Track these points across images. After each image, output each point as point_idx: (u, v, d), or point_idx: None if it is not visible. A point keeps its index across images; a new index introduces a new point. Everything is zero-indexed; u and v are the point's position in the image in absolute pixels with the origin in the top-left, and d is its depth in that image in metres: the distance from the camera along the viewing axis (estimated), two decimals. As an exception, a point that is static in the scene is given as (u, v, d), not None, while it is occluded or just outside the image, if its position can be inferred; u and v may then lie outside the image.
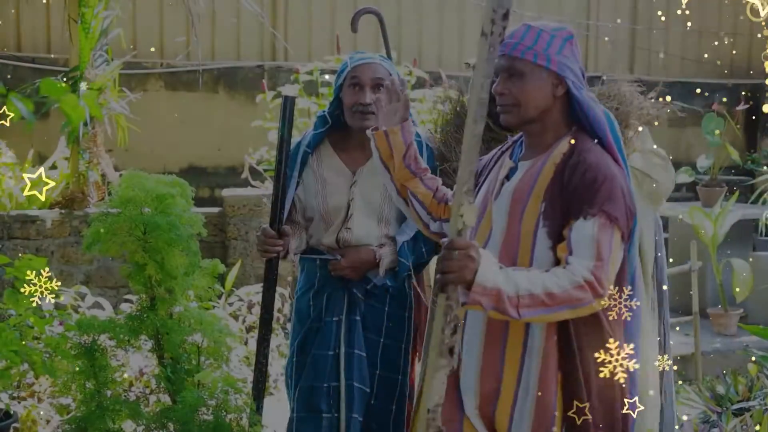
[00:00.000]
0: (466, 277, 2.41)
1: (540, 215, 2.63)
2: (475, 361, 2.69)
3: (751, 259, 6.67)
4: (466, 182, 2.34)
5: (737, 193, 7.14)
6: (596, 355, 2.47)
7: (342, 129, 3.47)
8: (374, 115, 3.24)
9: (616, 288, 2.55)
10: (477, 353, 2.69)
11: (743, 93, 9.26)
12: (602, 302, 2.51)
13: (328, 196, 3.45)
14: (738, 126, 8.99)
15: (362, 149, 3.38)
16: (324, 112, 3.50)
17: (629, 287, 2.59)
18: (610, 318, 2.58)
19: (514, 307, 2.47)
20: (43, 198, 6.50)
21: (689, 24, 9.49)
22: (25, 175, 6.48)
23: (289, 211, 3.46)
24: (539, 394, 2.61)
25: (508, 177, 2.76)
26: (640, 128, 3.47)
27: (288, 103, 3.36)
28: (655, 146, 3.55)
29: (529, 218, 2.64)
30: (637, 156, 3.45)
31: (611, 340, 2.47)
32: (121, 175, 6.30)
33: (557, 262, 2.60)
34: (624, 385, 2.58)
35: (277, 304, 5.90)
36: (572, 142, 2.68)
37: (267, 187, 6.52)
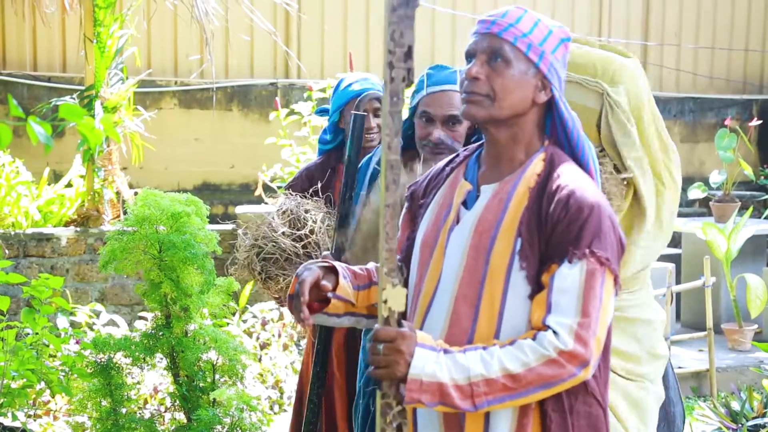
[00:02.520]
0: (397, 374, 2.00)
1: (515, 254, 2.11)
2: None
3: (765, 275, 6.65)
4: (386, 262, 1.96)
5: (751, 209, 7.12)
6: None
7: (415, 147, 3.18)
8: (447, 153, 2.87)
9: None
10: None
11: (756, 108, 9.25)
12: (589, 369, 2.04)
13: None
14: (751, 141, 8.98)
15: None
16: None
17: None
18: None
19: (467, 398, 2.02)
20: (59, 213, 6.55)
21: (701, 40, 9.50)
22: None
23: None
24: None
25: (465, 203, 2.23)
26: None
27: (357, 122, 3.14)
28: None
29: (500, 257, 2.12)
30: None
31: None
32: (135, 193, 6.35)
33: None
34: None
35: (288, 316, 5.91)
36: (546, 159, 2.20)
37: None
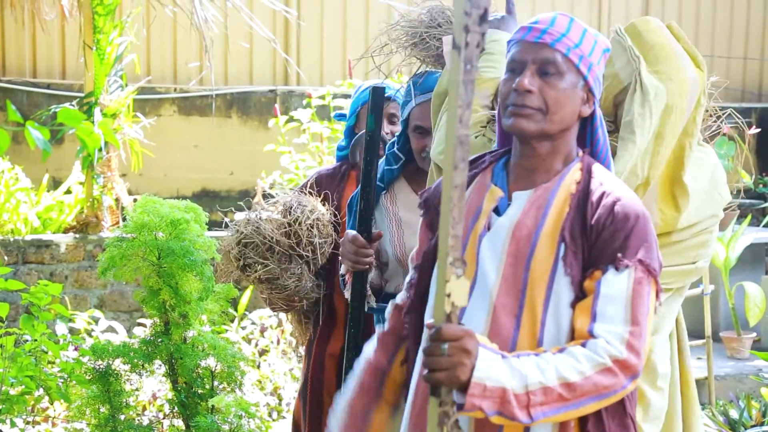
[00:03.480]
0: (461, 378, 1.86)
1: (558, 259, 2.03)
2: None
3: (763, 283, 6.66)
4: (451, 250, 1.78)
5: (749, 217, 7.13)
6: None
7: (416, 162, 3.12)
8: None
9: None
10: None
11: (755, 117, 9.26)
12: (636, 383, 1.97)
13: (405, 238, 3.10)
14: (749, 150, 8.98)
15: None
16: (394, 147, 3.13)
17: None
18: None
19: (523, 408, 1.90)
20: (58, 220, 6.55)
21: (700, 47, 9.50)
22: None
23: None
24: None
25: (497, 209, 2.14)
26: None
27: (376, 94, 3.01)
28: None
29: (542, 263, 2.04)
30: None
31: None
32: (135, 199, 6.36)
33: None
34: None
35: (288, 326, 5.92)
36: (583, 168, 2.14)
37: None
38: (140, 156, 6.89)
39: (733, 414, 4.73)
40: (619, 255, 2.00)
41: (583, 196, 2.07)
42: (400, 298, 2.31)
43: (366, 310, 3.09)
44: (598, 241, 2.02)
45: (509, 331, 2.03)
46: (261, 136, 8.28)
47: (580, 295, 2.02)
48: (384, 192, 3.14)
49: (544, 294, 2.03)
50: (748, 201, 8.80)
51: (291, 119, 7.04)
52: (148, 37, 8.18)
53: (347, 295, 3.10)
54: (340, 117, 3.89)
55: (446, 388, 1.87)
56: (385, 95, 3.14)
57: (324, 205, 3.36)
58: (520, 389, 1.90)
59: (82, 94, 6.88)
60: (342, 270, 3.13)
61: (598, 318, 1.97)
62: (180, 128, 8.44)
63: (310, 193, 3.41)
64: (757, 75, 10.25)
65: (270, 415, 5.37)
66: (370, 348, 2.32)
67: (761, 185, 8.91)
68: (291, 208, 3.30)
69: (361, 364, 2.31)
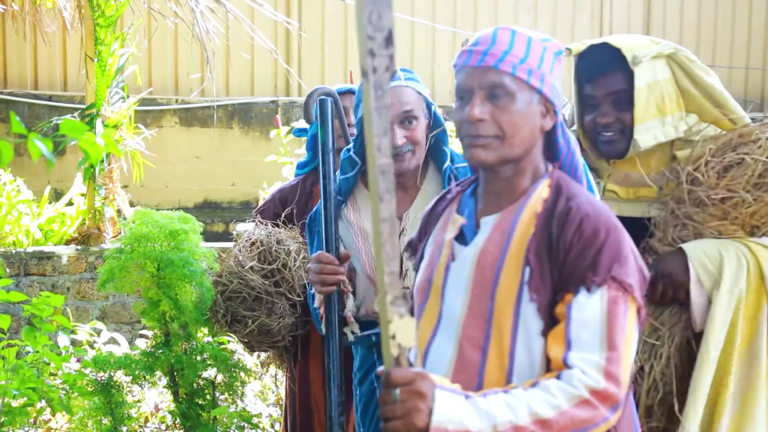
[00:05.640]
0: (418, 424, 1.71)
1: (523, 284, 1.89)
2: None
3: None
4: (389, 288, 1.61)
5: (751, 226, 7.12)
6: None
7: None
8: (410, 154, 2.71)
9: None
10: None
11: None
12: (619, 413, 1.83)
13: (373, 252, 2.74)
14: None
15: (404, 189, 2.78)
16: (350, 152, 2.84)
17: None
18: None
19: None
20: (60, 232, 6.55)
21: (701, 58, 9.52)
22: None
23: None
24: None
25: (460, 238, 2.02)
26: None
27: (323, 107, 2.74)
28: None
29: (506, 290, 1.90)
30: None
31: None
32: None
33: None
34: None
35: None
36: (551, 184, 2.00)
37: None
38: (142, 167, 6.90)
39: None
40: (590, 274, 1.84)
41: (548, 214, 1.93)
42: None
43: (349, 341, 2.80)
44: (566, 261, 1.87)
45: (476, 366, 1.90)
46: (262, 147, 8.29)
47: (550, 322, 1.87)
48: (344, 204, 2.83)
49: (511, 323, 1.88)
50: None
51: (292, 130, 7.05)
52: (150, 48, 8.20)
53: (323, 330, 2.74)
54: (300, 133, 3.74)
55: None
56: (341, 93, 2.92)
57: (291, 227, 3.15)
58: (489, 430, 1.75)
59: (83, 106, 6.89)
60: (316, 303, 2.79)
61: (573, 345, 1.82)
62: (181, 139, 8.45)
63: (277, 215, 3.22)
64: (760, 85, 10.26)
65: (272, 426, 5.36)
66: None
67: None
68: (271, 248, 3.09)
69: None
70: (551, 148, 2.05)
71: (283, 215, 3.25)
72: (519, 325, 1.88)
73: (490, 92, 1.95)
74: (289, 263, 3.04)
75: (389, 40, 1.57)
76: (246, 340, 3.16)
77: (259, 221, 3.22)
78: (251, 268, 3.04)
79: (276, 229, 3.16)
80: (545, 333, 1.87)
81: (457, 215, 2.06)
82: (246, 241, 3.15)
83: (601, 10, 9.77)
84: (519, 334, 1.87)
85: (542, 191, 1.98)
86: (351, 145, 2.84)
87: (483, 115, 1.94)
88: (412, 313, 2.07)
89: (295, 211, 3.24)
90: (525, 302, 1.88)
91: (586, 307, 1.83)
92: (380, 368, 1.73)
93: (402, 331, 1.64)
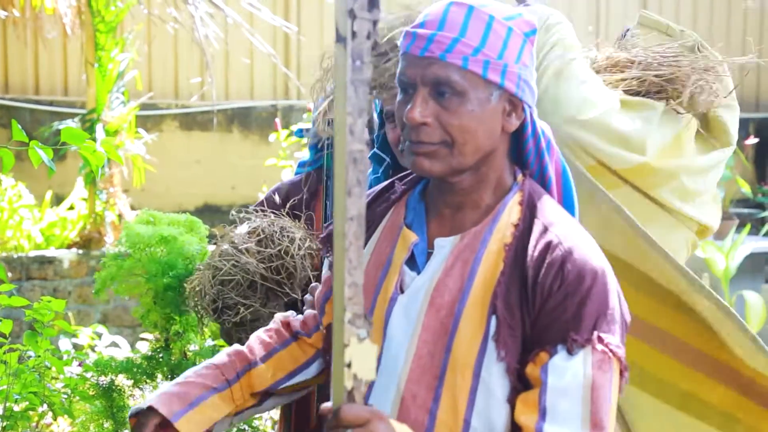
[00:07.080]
0: None
1: (488, 338, 1.51)
2: None
3: (763, 292, 6.68)
4: (349, 303, 1.26)
5: (749, 226, 7.15)
6: None
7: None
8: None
9: None
10: None
11: (752, 126, 9.29)
12: None
13: None
14: (748, 159, 9.02)
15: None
16: (375, 148, 2.53)
17: None
18: None
19: None
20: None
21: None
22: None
23: None
24: None
25: (410, 262, 1.62)
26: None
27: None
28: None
29: (467, 342, 1.51)
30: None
31: None
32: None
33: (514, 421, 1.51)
34: None
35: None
36: (523, 201, 1.60)
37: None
38: (142, 172, 6.93)
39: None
40: (571, 332, 1.47)
41: (520, 245, 1.54)
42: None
43: None
44: (543, 312, 1.50)
45: (422, 430, 1.53)
46: (262, 151, 8.33)
47: (519, 386, 1.51)
48: None
49: (469, 385, 1.51)
50: (747, 210, 8.83)
51: (292, 133, 7.09)
52: (150, 53, 8.23)
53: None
54: (302, 133, 3.71)
55: None
56: None
57: (294, 220, 2.85)
58: None
59: (84, 111, 6.93)
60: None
61: (548, 416, 1.46)
62: (181, 144, 8.49)
63: (276, 207, 2.93)
64: (754, 85, 10.29)
65: (273, 428, 5.39)
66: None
67: (760, 195, 8.94)
68: (273, 236, 2.75)
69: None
70: (519, 152, 1.65)
71: (287, 207, 2.94)
72: (479, 388, 1.51)
73: (434, 89, 1.54)
74: (292, 250, 2.68)
75: (374, 3, 1.25)
76: (230, 333, 2.81)
77: (261, 210, 2.88)
78: (247, 250, 2.70)
79: (278, 219, 2.82)
80: (512, 400, 1.51)
81: (407, 229, 1.64)
82: (247, 227, 2.80)
83: (597, 1, 9.80)
84: (478, 399, 1.51)
85: (512, 212, 1.59)
86: (374, 138, 2.54)
87: (425, 117, 1.53)
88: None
89: (298, 206, 2.96)
90: (490, 361, 1.51)
91: (566, 373, 1.47)
92: (326, 405, 1.34)
93: (360, 360, 1.28)
